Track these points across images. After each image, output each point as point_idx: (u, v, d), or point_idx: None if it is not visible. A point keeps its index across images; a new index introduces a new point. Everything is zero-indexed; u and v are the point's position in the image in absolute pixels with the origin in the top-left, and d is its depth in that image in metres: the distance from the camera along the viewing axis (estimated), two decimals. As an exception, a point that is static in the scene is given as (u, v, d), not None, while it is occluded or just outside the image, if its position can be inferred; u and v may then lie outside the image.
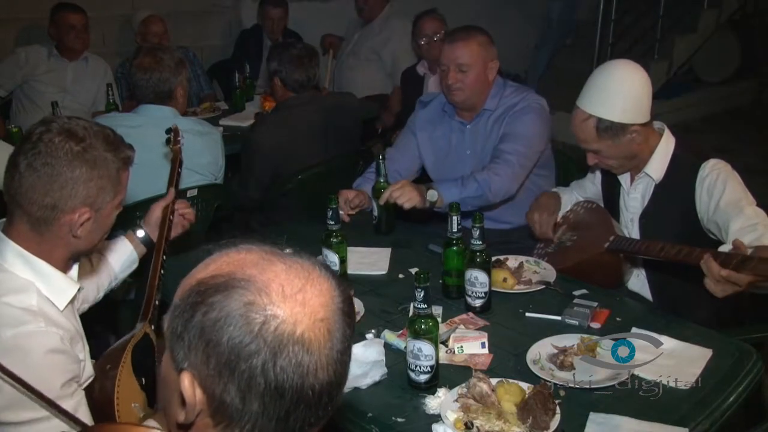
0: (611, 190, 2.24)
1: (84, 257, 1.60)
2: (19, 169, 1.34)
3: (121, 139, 1.47)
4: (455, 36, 2.54)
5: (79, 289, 1.47)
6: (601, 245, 2.06)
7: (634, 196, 2.12)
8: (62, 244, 1.40)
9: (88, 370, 1.47)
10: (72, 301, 1.46)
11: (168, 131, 2.03)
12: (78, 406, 1.36)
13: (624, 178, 2.16)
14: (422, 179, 2.89)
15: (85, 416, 1.37)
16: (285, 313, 0.77)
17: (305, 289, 0.79)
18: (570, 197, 2.39)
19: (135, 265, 1.91)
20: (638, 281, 2.20)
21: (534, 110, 2.53)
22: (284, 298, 0.78)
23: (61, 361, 1.34)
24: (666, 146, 2.03)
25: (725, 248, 1.74)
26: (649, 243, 1.93)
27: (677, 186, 2.00)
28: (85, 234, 1.41)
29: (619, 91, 1.96)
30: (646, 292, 2.18)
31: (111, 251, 1.85)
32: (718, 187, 1.89)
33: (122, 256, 1.87)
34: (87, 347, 1.51)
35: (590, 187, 2.35)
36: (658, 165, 2.03)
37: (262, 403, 0.77)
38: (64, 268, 1.45)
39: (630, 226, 2.15)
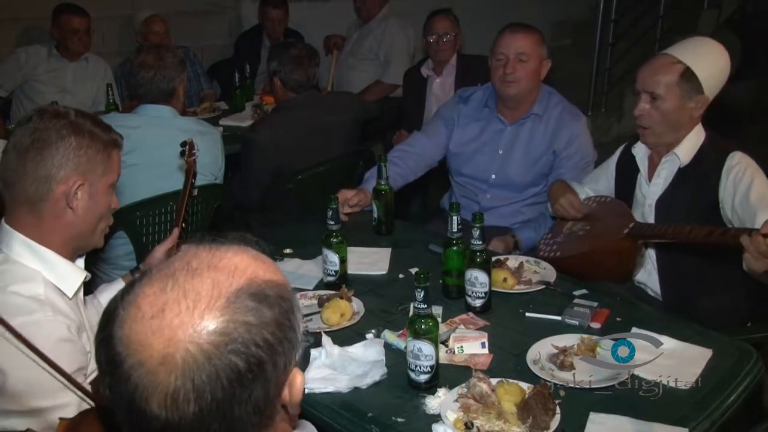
0: (626, 181, 2.24)
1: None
2: (12, 151, 1.40)
3: (109, 126, 1.52)
4: (516, 27, 2.59)
5: (85, 277, 1.49)
6: (620, 231, 2.06)
7: (657, 182, 2.13)
8: (60, 224, 1.42)
9: (94, 363, 1.47)
10: (78, 291, 1.48)
11: (183, 144, 2.03)
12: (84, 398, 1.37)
13: (643, 167, 2.17)
14: (432, 174, 2.93)
15: None
16: (131, 335, 0.75)
17: (163, 317, 0.75)
18: (580, 192, 2.38)
19: None
20: (645, 272, 2.20)
21: (591, 143, 2.67)
22: (135, 321, 0.75)
23: (69, 350, 1.36)
24: (698, 133, 2.08)
25: None
26: (676, 226, 1.93)
27: (703, 171, 2.03)
28: (81, 210, 1.43)
29: (716, 61, 2.04)
30: (653, 283, 2.17)
31: (105, 294, 1.80)
32: (746, 179, 1.91)
33: None
34: (59, 366, 1.51)
35: (604, 178, 2.35)
36: (688, 148, 2.06)
37: (113, 404, 0.78)
38: (70, 258, 1.47)
39: (648, 212, 2.15)
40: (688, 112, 2.02)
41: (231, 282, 0.78)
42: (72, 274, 1.46)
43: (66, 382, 1.29)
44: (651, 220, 2.13)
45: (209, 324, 0.74)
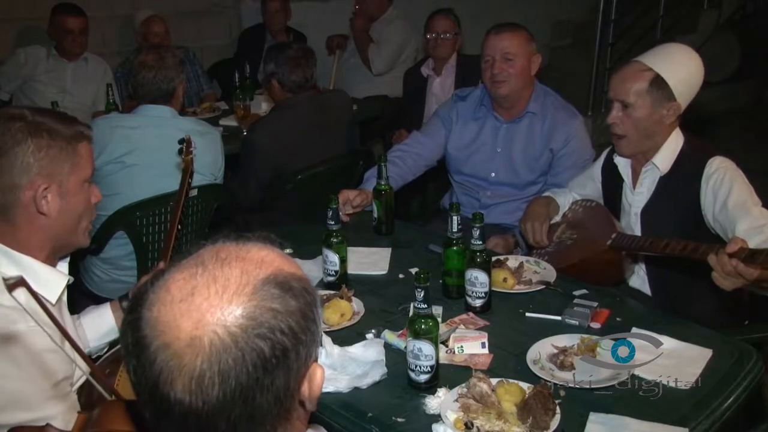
0: (613, 189, 2.24)
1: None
2: None
3: (75, 119, 1.47)
4: (501, 27, 2.60)
5: (68, 281, 1.46)
6: (603, 243, 2.07)
7: (640, 191, 2.12)
8: (36, 228, 1.39)
9: (79, 371, 1.45)
10: (62, 296, 1.45)
11: (181, 141, 2.03)
12: (70, 409, 1.35)
13: (626, 175, 2.17)
14: (432, 174, 2.93)
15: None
16: (160, 317, 0.77)
17: (192, 300, 0.76)
18: (566, 199, 2.40)
19: (114, 336, 1.74)
20: (638, 278, 2.20)
21: (588, 141, 2.67)
22: (164, 304, 0.77)
23: (53, 361, 1.33)
24: (676, 140, 2.06)
25: None
26: (654, 239, 1.94)
27: (683, 180, 2.02)
28: (54, 213, 1.38)
29: (686, 67, 2.02)
30: (646, 289, 2.18)
31: (88, 316, 1.76)
32: (725, 186, 1.89)
33: (101, 327, 1.74)
34: (78, 345, 1.49)
35: (590, 184, 2.35)
36: (666, 156, 2.05)
37: (135, 388, 0.79)
38: (51, 263, 1.44)
39: (634, 221, 2.14)
40: (660, 119, 2.01)
41: (259, 271, 0.80)
42: (54, 279, 1.42)
43: (83, 366, 1.26)
44: (637, 228, 2.13)
45: (237, 308, 0.76)
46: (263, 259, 0.82)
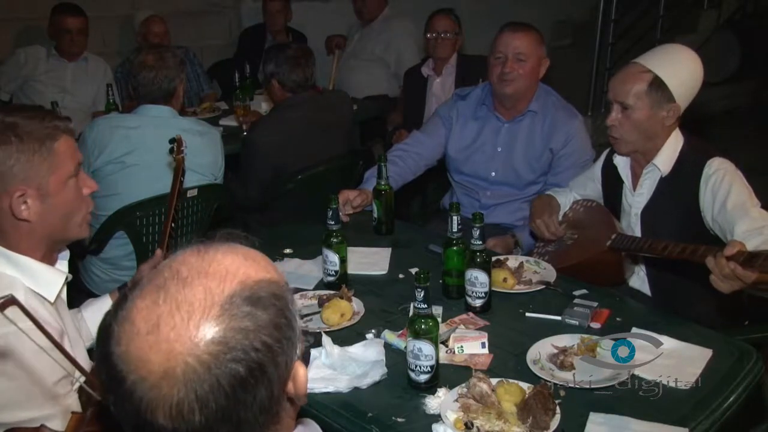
0: (613, 190, 2.24)
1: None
2: None
3: (51, 113, 1.42)
4: (516, 26, 2.59)
5: (66, 278, 1.45)
6: (603, 243, 2.07)
7: (641, 192, 2.12)
8: (23, 234, 1.37)
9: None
10: (60, 293, 1.44)
11: (171, 141, 2.02)
12: (70, 409, 1.35)
13: (626, 177, 2.16)
14: (432, 174, 2.93)
15: None
16: (130, 351, 0.75)
17: (159, 332, 0.74)
18: (567, 198, 2.40)
19: None
20: (638, 278, 2.20)
21: (588, 141, 2.67)
22: (131, 338, 0.75)
23: (52, 361, 1.32)
24: (676, 140, 2.05)
25: None
26: (653, 241, 1.93)
27: (682, 181, 2.01)
28: (36, 216, 1.36)
29: (686, 69, 2.01)
30: (646, 289, 2.18)
31: (89, 309, 1.75)
32: (724, 188, 1.89)
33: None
34: (77, 345, 1.50)
35: (590, 184, 2.35)
36: (666, 157, 2.05)
37: (120, 419, 0.78)
38: (49, 260, 1.43)
39: (634, 221, 2.15)
40: (659, 121, 2.00)
41: (223, 288, 0.77)
42: (52, 277, 1.41)
43: (72, 371, 1.26)
44: (637, 229, 2.13)
45: (206, 334, 0.74)
46: (227, 270, 0.79)
